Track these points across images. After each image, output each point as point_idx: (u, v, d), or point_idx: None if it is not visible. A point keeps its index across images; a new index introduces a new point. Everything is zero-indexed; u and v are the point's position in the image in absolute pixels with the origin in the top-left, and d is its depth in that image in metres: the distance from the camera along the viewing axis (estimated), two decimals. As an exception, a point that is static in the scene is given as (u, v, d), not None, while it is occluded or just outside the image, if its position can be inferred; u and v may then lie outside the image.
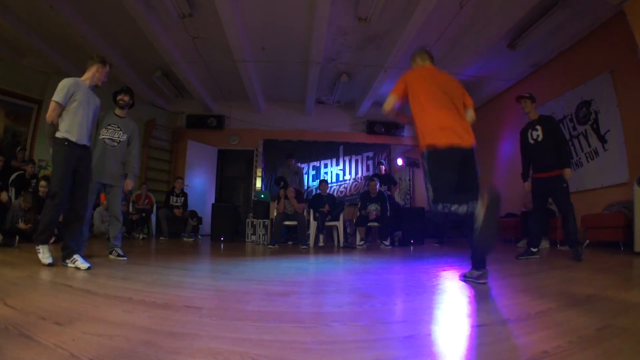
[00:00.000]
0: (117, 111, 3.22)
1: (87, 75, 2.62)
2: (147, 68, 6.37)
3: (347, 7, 4.52)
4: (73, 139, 2.46)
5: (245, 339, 0.97)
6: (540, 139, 3.28)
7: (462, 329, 1.12)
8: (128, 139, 3.22)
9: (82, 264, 2.30)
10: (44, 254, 2.38)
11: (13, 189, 4.83)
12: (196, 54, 5.78)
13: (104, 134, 3.10)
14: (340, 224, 5.55)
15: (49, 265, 2.31)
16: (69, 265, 2.34)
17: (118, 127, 3.15)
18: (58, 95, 2.42)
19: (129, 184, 3.19)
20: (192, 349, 0.88)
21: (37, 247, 2.42)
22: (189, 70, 6.27)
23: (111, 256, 3.01)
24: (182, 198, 6.25)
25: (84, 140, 2.54)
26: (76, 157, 2.49)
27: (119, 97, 3.19)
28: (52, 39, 5.32)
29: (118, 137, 3.14)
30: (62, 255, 2.41)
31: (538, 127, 3.31)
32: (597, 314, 1.25)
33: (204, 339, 0.97)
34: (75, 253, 2.39)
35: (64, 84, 2.46)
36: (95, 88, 2.67)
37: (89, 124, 2.59)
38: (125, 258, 3.00)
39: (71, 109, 2.47)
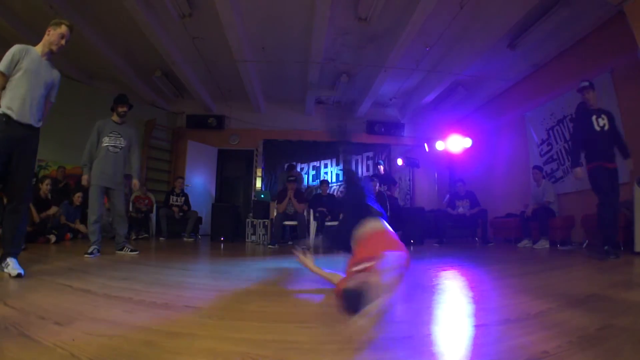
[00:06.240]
0: (115, 118, 3.45)
1: (42, 41, 2.20)
2: (147, 68, 6.37)
3: (347, 7, 4.51)
4: (13, 115, 2.03)
5: (245, 339, 0.98)
6: (606, 128, 3.21)
7: (462, 329, 1.12)
8: (128, 144, 3.46)
9: (13, 269, 1.91)
10: (13, 266, 1.94)
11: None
12: (196, 54, 5.77)
13: (107, 141, 3.33)
14: (340, 224, 5.54)
15: (18, 275, 1.88)
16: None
17: (118, 134, 3.39)
18: (2, 64, 2.04)
19: (137, 184, 3.53)
20: (192, 349, 0.88)
21: (4, 262, 1.96)
22: (189, 70, 6.27)
23: (121, 252, 3.30)
24: (183, 198, 6.24)
25: (27, 119, 2.08)
26: (15, 137, 2.04)
27: (120, 108, 3.44)
28: (52, 39, 5.32)
29: (120, 144, 3.38)
30: None
31: (603, 116, 3.24)
32: (597, 314, 1.25)
33: (204, 339, 0.97)
34: (9, 256, 1.99)
35: (10, 51, 2.07)
36: (52, 56, 2.25)
37: (38, 99, 2.14)
38: (137, 252, 3.30)
39: (14, 79, 2.07)
